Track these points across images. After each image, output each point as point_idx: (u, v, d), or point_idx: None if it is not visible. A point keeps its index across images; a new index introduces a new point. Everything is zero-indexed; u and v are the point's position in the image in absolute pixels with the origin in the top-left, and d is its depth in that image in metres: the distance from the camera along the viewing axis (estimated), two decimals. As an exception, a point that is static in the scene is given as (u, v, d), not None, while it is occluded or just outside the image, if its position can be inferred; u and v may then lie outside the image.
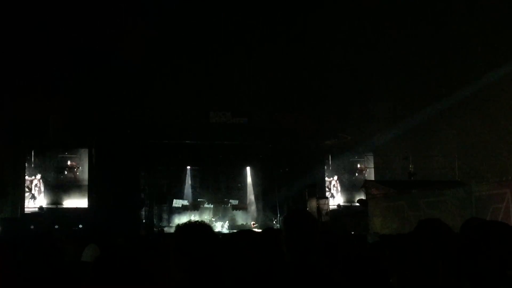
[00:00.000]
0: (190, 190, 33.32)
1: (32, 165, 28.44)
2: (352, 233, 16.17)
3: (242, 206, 33.54)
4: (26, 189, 28.22)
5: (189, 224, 2.90)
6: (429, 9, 27.00)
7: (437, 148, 28.58)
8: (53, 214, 27.80)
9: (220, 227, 30.89)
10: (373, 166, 30.70)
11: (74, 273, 3.63)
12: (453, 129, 27.77)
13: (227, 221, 31.90)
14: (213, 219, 31.41)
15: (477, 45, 25.71)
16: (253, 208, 33.75)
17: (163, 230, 28.84)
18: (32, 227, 25.49)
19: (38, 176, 28.49)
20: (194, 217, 31.26)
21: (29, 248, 3.53)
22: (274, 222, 32.36)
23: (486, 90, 24.97)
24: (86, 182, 28.86)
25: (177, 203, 32.63)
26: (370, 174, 30.53)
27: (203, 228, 2.87)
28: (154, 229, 30.00)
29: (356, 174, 32.38)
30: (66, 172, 28.83)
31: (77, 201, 28.54)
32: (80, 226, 26.84)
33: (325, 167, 32.22)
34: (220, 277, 2.71)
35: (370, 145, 31.68)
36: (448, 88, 27.39)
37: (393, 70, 29.01)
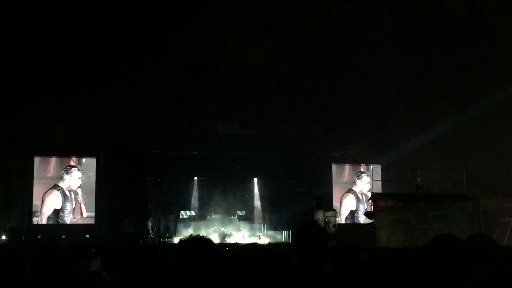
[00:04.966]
0: (197, 201, 33.28)
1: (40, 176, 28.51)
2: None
3: (249, 217, 33.46)
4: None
5: (191, 238, 2.93)
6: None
7: (445, 161, 28.50)
8: (60, 224, 27.92)
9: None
10: (380, 179, 30.57)
11: (84, 283, 3.64)
12: (461, 142, 27.71)
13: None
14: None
15: (489, 60, 25.80)
16: (260, 219, 33.66)
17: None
18: (39, 236, 25.55)
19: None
20: (201, 228, 31.17)
21: (34, 258, 3.54)
22: (281, 233, 32.26)
23: (497, 105, 25.00)
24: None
25: (184, 213, 32.59)
26: (378, 187, 30.40)
27: (204, 242, 2.89)
28: (160, 240, 29.96)
29: (364, 186, 32.51)
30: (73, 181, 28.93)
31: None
32: (87, 236, 26.87)
33: (336, 179, 32.27)
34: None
35: (378, 157, 31.63)
36: (459, 103, 27.42)
37: (402, 84, 29.03)
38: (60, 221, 28.17)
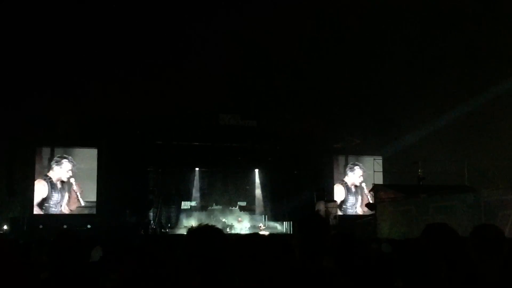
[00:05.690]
0: (198, 192, 33.35)
1: (42, 166, 28.48)
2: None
3: (250, 208, 33.53)
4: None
5: (200, 227, 2.93)
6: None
7: (447, 153, 28.49)
8: (61, 214, 27.97)
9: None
10: (381, 170, 30.56)
11: (85, 273, 3.65)
12: (463, 134, 27.70)
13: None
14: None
15: (493, 52, 25.78)
16: (261, 210, 33.73)
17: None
18: (40, 226, 25.60)
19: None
20: (203, 218, 31.25)
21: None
22: (282, 224, 32.32)
23: (500, 97, 24.99)
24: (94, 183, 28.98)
25: (185, 204, 32.66)
26: (379, 178, 30.38)
27: (214, 231, 2.90)
28: (162, 230, 30.05)
29: (356, 179, 32.58)
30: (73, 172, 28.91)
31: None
32: (89, 226, 26.92)
33: (334, 170, 32.25)
34: (230, 280, 2.73)
35: (379, 148, 31.62)
36: (461, 94, 27.40)
37: (405, 76, 28.98)
38: (43, 212, 27.98)
